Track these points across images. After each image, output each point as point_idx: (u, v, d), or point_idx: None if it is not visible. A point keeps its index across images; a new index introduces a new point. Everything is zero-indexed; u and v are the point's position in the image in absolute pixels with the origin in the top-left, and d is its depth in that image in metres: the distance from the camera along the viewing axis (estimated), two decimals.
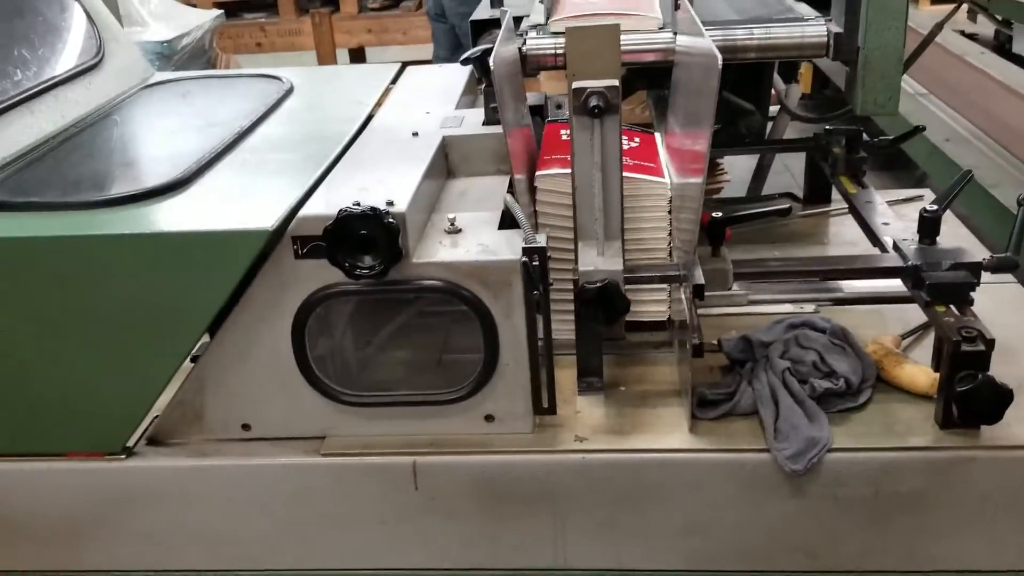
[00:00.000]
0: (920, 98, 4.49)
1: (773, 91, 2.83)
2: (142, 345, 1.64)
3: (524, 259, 1.56)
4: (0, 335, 1.64)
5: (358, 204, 1.56)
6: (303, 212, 1.58)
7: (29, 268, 1.59)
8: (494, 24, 2.48)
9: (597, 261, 1.73)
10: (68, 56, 2.29)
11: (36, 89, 2.09)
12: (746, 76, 2.60)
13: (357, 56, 7.25)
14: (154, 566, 1.79)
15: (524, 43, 2.16)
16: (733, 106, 2.57)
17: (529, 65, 2.17)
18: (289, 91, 2.32)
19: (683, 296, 1.71)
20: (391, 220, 1.52)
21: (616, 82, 1.67)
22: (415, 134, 1.96)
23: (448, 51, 5.34)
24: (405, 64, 2.53)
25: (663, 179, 1.87)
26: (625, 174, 1.76)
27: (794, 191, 2.67)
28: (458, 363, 1.72)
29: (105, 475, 1.72)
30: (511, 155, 1.73)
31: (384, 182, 1.69)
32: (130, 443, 1.73)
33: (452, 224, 1.69)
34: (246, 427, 1.73)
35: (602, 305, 1.67)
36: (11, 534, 1.78)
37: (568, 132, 1.73)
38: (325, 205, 1.60)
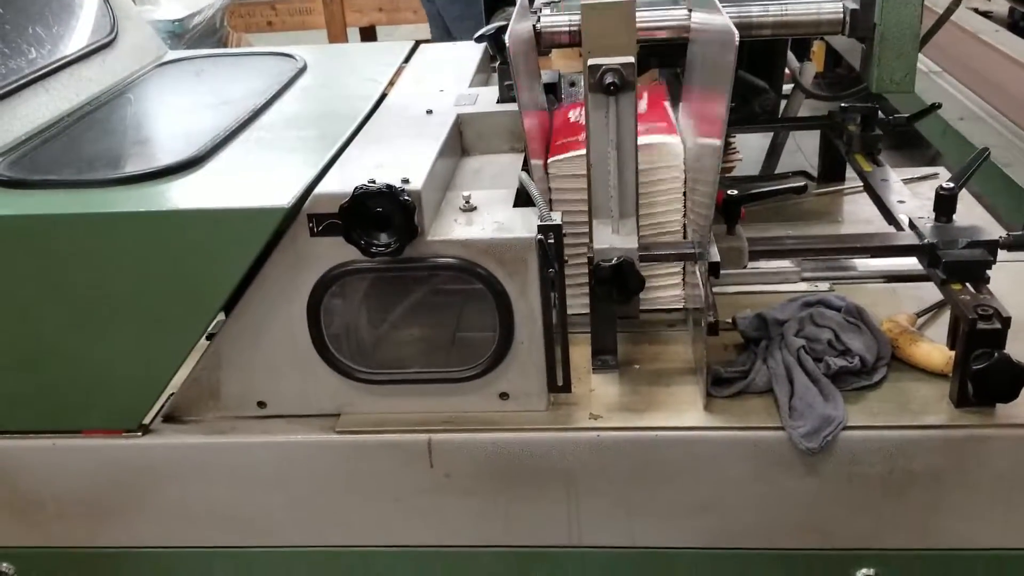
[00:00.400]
0: (934, 76, 4.45)
1: (787, 69, 2.82)
2: (158, 322, 1.64)
3: (539, 237, 1.56)
4: (17, 312, 1.65)
5: (373, 181, 1.56)
6: (318, 190, 1.58)
7: (45, 245, 1.60)
8: (508, 1, 2.47)
9: (612, 239, 1.72)
10: (82, 34, 2.28)
11: (51, 67, 2.09)
12: (760, 54, 2.58)
13: (368, 35, 7.22)
14: (172, 542, 1.81)
15: (538, 20, 2.15)
16: (746, 84, 2.56)
17: (543, 42, 2.15)
18: (302, 69, 2.31)
19: (698, 274, 1.71)
20: (407, 197, 1.52)
21: (632, 59, 1.66)
22: (429, 112, 1.96)
23: (440, 31, 5.33)
24: (419, 42, 2.52)
25: (675, 137, 1.83)
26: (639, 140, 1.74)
27: (806, 170, 2.66)
28: (473, 341, 1.72)
29: (122, 452, 1.73)
30: (527, 139, 1.72)
31: (399, 160, 1.69)
32: (147, 420, 1.75)
33: (467, 202, 1.69)
34: (262, 404, 1.74)
35: (617, 283, 1.67)
36: (30, 511, 1.80)
37: (577, 113, 1.73)
38: (340, 183, 1.60)
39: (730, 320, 1.86)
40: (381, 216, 1.52)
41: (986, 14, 5.52)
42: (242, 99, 2.07)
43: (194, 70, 2.38)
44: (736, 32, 1.41)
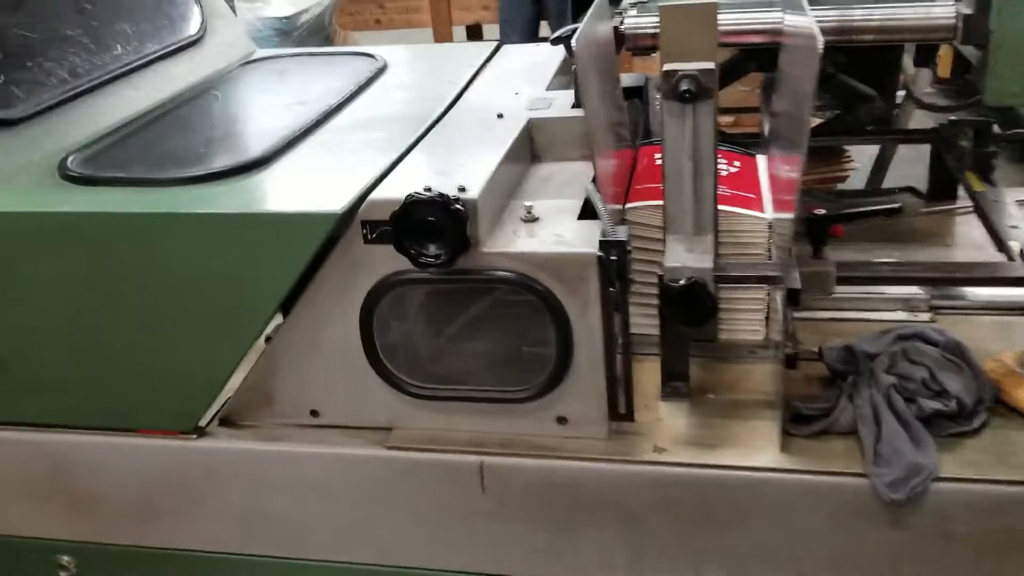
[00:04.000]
0: None
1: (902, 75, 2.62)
2: (213, 324, 1.62)
3: (600, 254, 1.46)
4: (76, 309, 1.65)
5: (429, 189, 1.49)
6: (373, 196, 1.52)
7: (103, 243, 1.60)
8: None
9: (684, 257, 1.60)
10: (170, 32, 2.30)
11: (137, 63, 2.12)
12: (869, 58, 2.41)
13: (474, 33, 7.20)
14: (220, 548, 1.78)
15: (622, 21, 2.05)
16: (852, 90, 2.38)
17: (627, 45, 2.06)
18: (382, 69, 2.27)
19: (778, 300, 1.57)
20: (459, 207, 1.44)
21: (711, 65, 1.54)
22: (500, 116, 1.88)
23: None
24: (501, 43, 2.45)
25: (763, 214, 1.72)
26: (722, 207, 1.63)
27: (915, 186, 2.47)
28: (535, 358, 1.63)
29: (176, 453, 1.72)
30: (600, 183, 1.58)
31: (462, 166, 1.62)
32: (203, 423, 1.73)
33: (529, 212, 1.60)
34: (315, 413, 1.69)
35: (688, 305, 1.55)
36: (87, 506, 1.81)
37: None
38: (396, 189, 1.54)
39: (816, 350, 1.71)
40: (432, 225, 1.45)
41: None
42: (318, 99, 2.04)
43: (278, 69, 2.37)
44: (820, 38, 1.27)
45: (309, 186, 1.63)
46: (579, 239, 1.51)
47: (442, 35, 6.76)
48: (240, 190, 1.62)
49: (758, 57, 2.24)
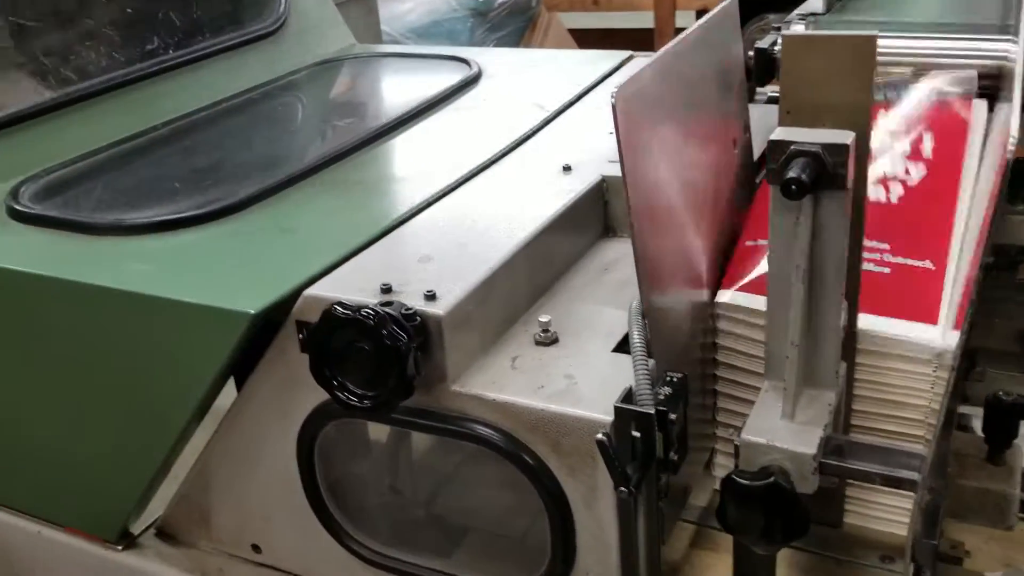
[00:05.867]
0: None
1: None
2: (130, 415, 1.24)
3: (602, 435, 0.92)
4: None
5: (388, 289, 1.03)
6: (311, 290, 1.07)
7: (12, 301, 1.26)
8: (770, 6, 1.78)
9: (776, 428, 1.02)
10: (236, 23, 1.95)
11: (173, 63, 1.77)
12: None
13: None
14: None
15: (775, 40, 1.48)
16: None
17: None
18: (468, 82, 1.80)
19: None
20: (398, 334, 0.95)
21: (849, 138, 0.94)
22: (567, 168, 1.36)
23: None
24: (633, 54, 1.90)
25: (935, 336, 1.07)
26: (863, 317, 1.02)
27: None
28: (529, 546, 1.12)
29: (97, 562, 1.37)
30: (640, 271, 0.96)
31: (462, 253, 1.13)
32: (137, 530, 1.36)
33: (545, 331, 1.08)
34: (256, 548, 1.28)
35: (767, 511, 0.98)
36: None
37: None
38: (344, 283, 1.08)
39: None
40: (363, 354, 0.98)
41: None
42: (365, 120, 1.61)
43: (350, 74, 1.96)
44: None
45: (246, 263, 1.19)
46: (598, 388, 0.98)
47: (664, 20, 6.14)
48: (166, 254, 1.22)
49: None
